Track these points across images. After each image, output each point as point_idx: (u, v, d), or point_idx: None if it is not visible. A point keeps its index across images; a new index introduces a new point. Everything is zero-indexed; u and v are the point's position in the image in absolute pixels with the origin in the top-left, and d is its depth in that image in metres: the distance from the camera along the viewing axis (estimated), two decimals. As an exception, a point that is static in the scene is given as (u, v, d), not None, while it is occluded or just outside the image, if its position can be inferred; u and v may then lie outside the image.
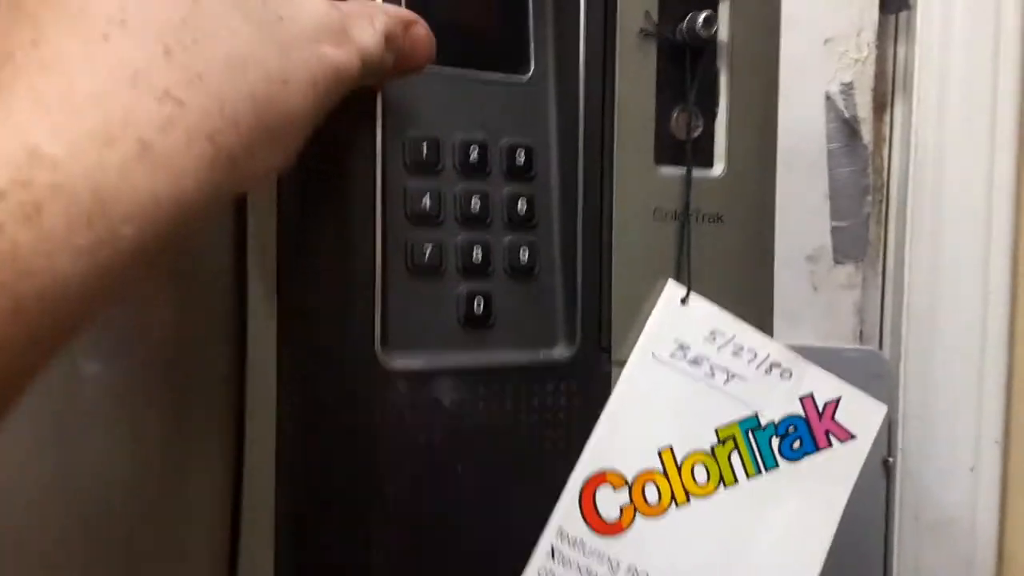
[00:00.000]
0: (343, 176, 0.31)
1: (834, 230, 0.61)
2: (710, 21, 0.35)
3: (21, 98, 0.19)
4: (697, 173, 0.36)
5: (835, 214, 0.61)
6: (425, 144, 0.33)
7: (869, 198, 0.61)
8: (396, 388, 0.31)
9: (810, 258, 0.61)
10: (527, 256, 0.34)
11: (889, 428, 0.58)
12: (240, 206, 0.33)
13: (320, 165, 0.30)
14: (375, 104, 0.31)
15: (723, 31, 0.37)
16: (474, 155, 0.33)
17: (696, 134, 0.37)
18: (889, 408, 0.58)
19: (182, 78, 0.20)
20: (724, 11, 0.37)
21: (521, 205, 0.34)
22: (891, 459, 0.58)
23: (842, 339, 0.60)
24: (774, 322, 0.56)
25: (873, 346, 0.61)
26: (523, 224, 0.34)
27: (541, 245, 0.34)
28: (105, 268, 0.19)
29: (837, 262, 0.61)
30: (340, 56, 0.25)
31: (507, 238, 0.34)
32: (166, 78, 0.20)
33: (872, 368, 0.58)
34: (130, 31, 0.20)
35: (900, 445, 0.58)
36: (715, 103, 0.37)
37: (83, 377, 0.30)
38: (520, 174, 0.34)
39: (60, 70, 0.19)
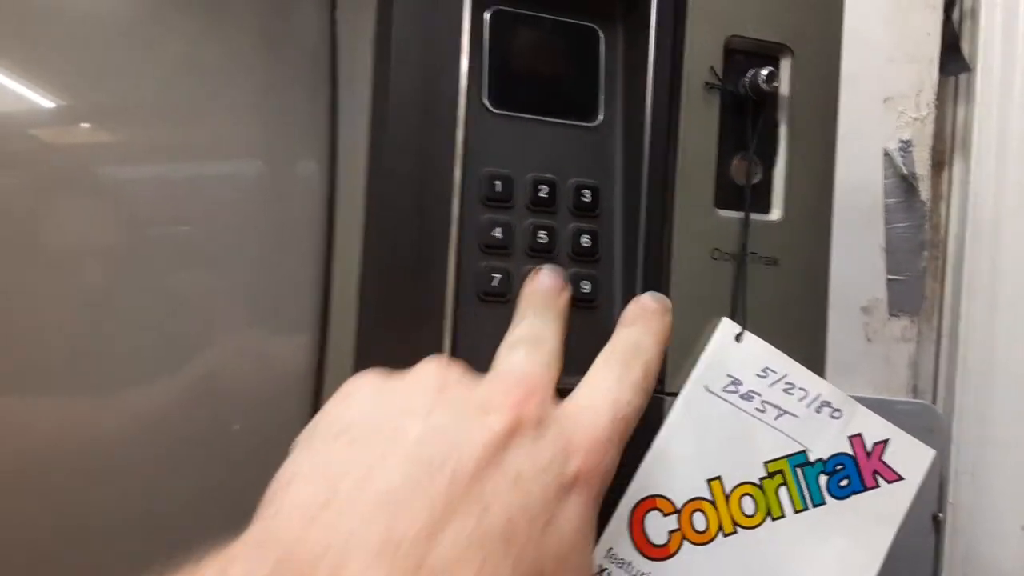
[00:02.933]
0: (425, 209, 0.34)
1: (890, 283, 0.62)
2: (772, 76, 0.37)
3: None
4: (755, 217, 0.38)
5: (892, 268, 0.62)
6: (499, 181, 0.35)
7: (926, 253, 0.61)
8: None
9: (865, 309, 0.62)
10: (589, 287, 0.36)
11: (940, 484, 0.58)
12: (329, 233, 0.36)
13: (405, 196, 0.33)
14: (455, 142, 0.34)
15: (784, 85, 0.39)
16: (543, 192, 0.36)
17: (755, 180, 0.39)
18: (941, 463, 0.59)
19: None
20: (786, 67, 0.39)
21: (585, 240, 0.36)
22: (941, 515, 0.58)
23: (896, 392, 0.61)
24: (827, 372, 0.57)
25: (927, 400, 0.62)
26: (586, 257, 0.36)
27: (602, 278, 0.36)
28: None
29: (892, 315, 0.61)
30: None
31: (571, 270, 0.36)
32: None
33: (925, 422, 0.59)
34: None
35: (951, 501, 0.57)
36: (774, 152, 0.39)
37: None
38: (585, 211, 0.37)
39: None
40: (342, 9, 0.39)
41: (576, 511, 0.25)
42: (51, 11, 0.39)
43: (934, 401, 0.61)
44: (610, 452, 0.27)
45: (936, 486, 0.58)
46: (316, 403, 0.35)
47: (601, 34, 0.38)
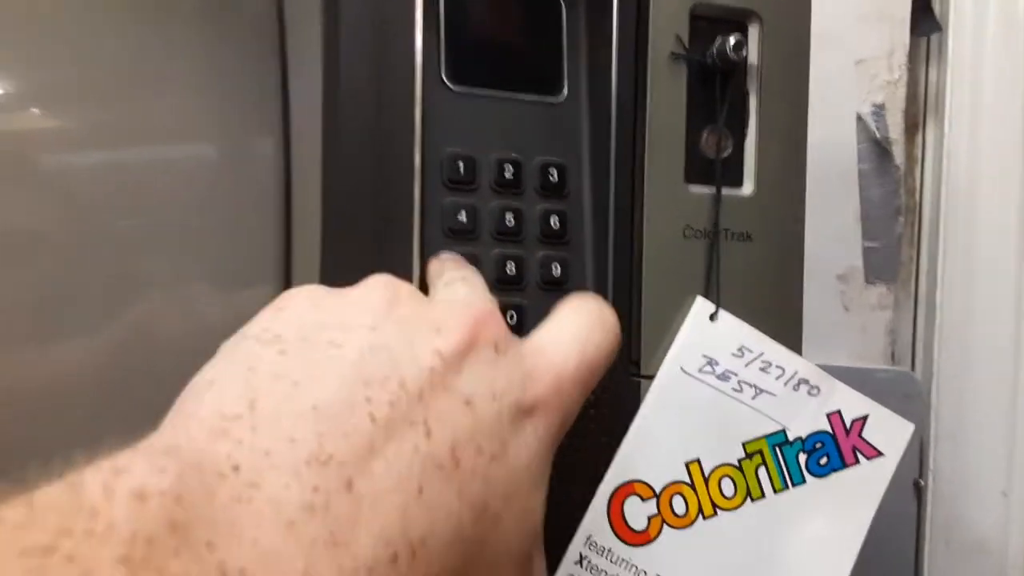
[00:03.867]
0: (384, 192, 0.32)
1: (866, 250, 0.61)
2: (740, 45, 0.36)
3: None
4: (727, 192, 0.37)
5: (867, 234, 0.61)
6: (462, 162, 0.34)
7: (901, 219, 0.61)
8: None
9: (841, 278, 0.61)
10: (559, 270, 0.35)
11: (921, 450, 0.58)
12: (287, 219, 0.34)
13: (362, 180, 0.32)
14: (413, 122, 0.33)
15: (753, 54, 0.37)
16: (508, 173, 0.34)
17: (726, 154, 0.37)
18: (921, 430, 0.58)
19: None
20: (754, 35, 0.38)
21: (554, 221, 0.35)
22: (922, 481, 0.58)
23: (874, 360, 0.60)
24: (805, 342, 0.56)
25: (905, 367, 0.61)
26: (556, 239, 0.35)
27: (573, 260, 0.35)
28: None
29: (869, 283, 0.61)
30: None
31: (540, 253, 0.35)
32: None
33: (904, 389, 0.58)
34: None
35: (932, 467, 0.57)
36: (745, 124, 0.38)
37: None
38: (553, 191, 0.35)
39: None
40: (289, -15, 0.37)
41: (530, 445, 0.23)
42: None
43: (913, 368, 0.61)
44: (573, 393, 0.25)
45: (917, 452, 0.58)
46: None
47: (563, 4, 0.36)
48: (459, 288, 0.26)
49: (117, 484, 0.17)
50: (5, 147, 0.37)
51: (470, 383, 0.22)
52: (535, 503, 0.24)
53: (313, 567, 0.18)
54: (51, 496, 0.17)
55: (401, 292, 0.24)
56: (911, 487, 0.57)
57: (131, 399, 0.34)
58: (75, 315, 0.36)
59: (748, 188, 0.38)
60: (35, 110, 0.38)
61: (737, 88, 0.38)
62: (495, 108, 0.35)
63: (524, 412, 0.23)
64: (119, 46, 0.38)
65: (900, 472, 0.58)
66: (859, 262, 0.61)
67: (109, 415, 0.34)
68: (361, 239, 0.32)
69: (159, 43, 0.39)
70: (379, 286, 0.25)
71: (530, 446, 0.23)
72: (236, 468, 0.19)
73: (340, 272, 0.32)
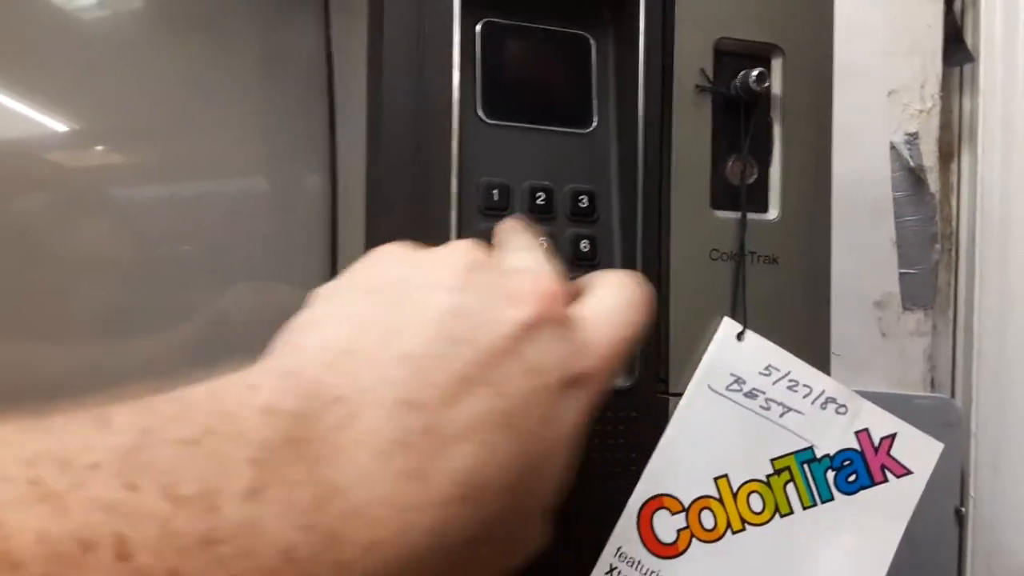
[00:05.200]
0: (423, 219, 0.34)
1: (902, 277, 0.61)
2: (762, 77, 0.38)
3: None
4: (752, 216, 0.38)
5: (903, 261, 0.61)
6: (496, 190, 0.36)
7: (937, 246, 0.61)
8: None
9: (878, 304, 0.62)
10: (589, 291, 0.36)
11: (962, 477, 0.58)
12: (333, 246, 0.37)
13: (403, 209, 0.34)
14: (451, 153, 0.35)
15: (776, 85, 0.39)
16: (540, 199, 0.36)
17: (751, 180, 0.39)
18: (961, 457, 0.58)
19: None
20: (777, 66, 0.39)
21: (584, 245, 0.37)
22: (963, 509, 0.57)
23: (913, 386, 0.60)
24: (843, 368, 0.57)
25: (945, 394, 0.61)
26: (586, 262, 0.37)
27: (602, 282, 0.37)
28: None
29: (906, 309, 0.61)
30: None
31: (571, 275, 0.36)
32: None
33: (944, 416, 0.58)
34: None
35: (972, 494, 0.57)
36: (769, 151, 0.39)
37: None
38: (583, 216, 0.37)
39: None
40: (336, 27, 0.40)
41: (573, 412, 0.25)
42: (61, 42, 0.40)
43: (952, 395, 0.61)
44: (613, 367, 0.27)
45: (957, 480, 0.58)
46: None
47: (592, 41, 0.39)
48: (528, 258, 0.29)
49: (250, 399, 0.20)
50: (80, 181, 0.40)
51: (535, 353, 0.24)
52: (568, 464, 0.26)
53: (398, 493, 0.21)
54: (198, 399, 0.20)
55: (480, 257, 0.27)
56: (952, 515, 0.57)
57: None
58: (137, 328, 0.38)
59: (773, 213, 0.39)
60: (103, 147, 0.42)
61: (761, 117, 0.39)
62: (528, 139, 0.37)
63: (572, 382, 0.25)
64: (181, 89, 0.42)
65: (941, 500, 0.58)
66: (896, 288, 0.61)
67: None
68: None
69: (218, 85, 0.42)
70: (461, 249, 0.27)
71: (573, 413, 0.25)
72: (338, 399, 0.21)
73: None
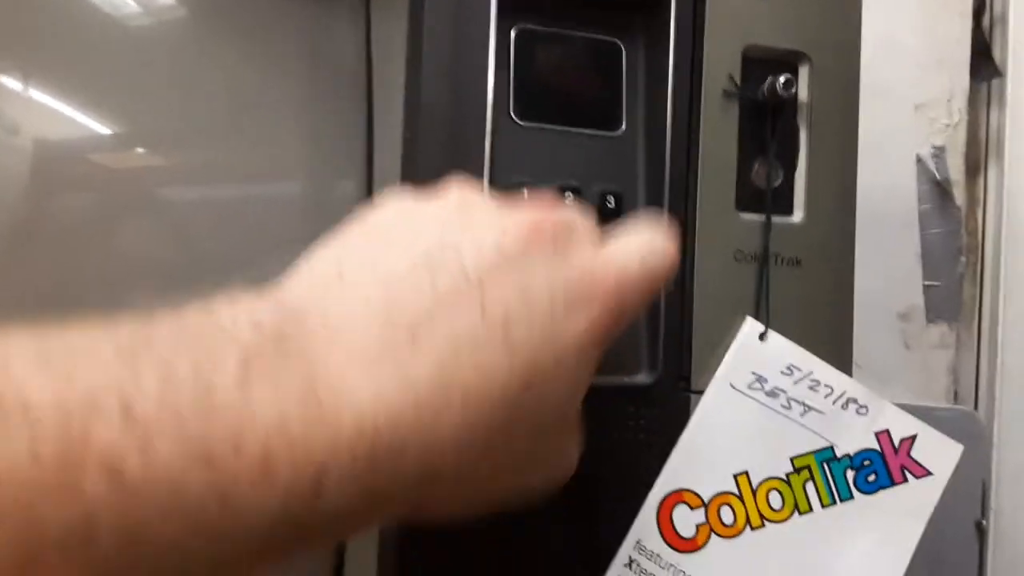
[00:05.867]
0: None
1: (927, 289, 0.61)
2: (789, 83, 0.39)
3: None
4: (777, 219, 0.39)
5: (928, 274, 0.61)
6: (527, 190, 0.37)
7: (963, 259, 0.61)
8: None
9: (902, 316, 0.62)
10: (614, 288, 0.37)
11: (983, 491, 0.57)
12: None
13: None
14: (484, 154, 0.36)
15: (803, 91, 0.40)
16: (569, 199, 0.38)
17: (776, 184, 0.40)
18: (983, 471, 0.58)
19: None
20: (804, 73, 0.40)
21: (610, 244, 0.38)
22: (985, 522, 0.57)
23: (936, 398, 0.60)
24: (866, 379, 0.57)
25: (968, 407, 0.61)
26: (612, 260, 0.38)
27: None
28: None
29: (930, 321, 0.61)
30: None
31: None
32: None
33: (967, 429, 0.58)
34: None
35: (994, 508, 0.57)
36: (795, 156, 0.40)
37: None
38: (610, 216, 0.38)
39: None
40: (376, 31, 0.41)
41: (581, 331, 0.26)
42: (107, 46, 0.42)
43: (976, 407, 0.61)
44: (631, 295, 0.28)
45: (979, 493, 0.58)
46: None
47: (623, 48, 0.40)
48: (531, 205, 0.29)
49: (241, 315, 0.22)
50: (122, 182, 0.42)
51: (526, 275, 0.25)
52: (580, 380, 0.27)
53: (383, 394, 0.22)
54: (195, 319, 0.22)
55: (475, 200, 0.28)
56: (973, 528, 0.57)
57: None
58: None
59: (798, 216, 0.40)
60: (145, 149, 0.43)
61: (787, 123, 0.40)
62: (558, 141, 0.38)
63: (580, 302, 0.26)
64: (222, 92, 0.43)
65: (963, 512, 0.58)
66: (920, 301, 0.61)
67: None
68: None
69: (258, 89, 0.44)
70: (455, 193, 0.29)
71: (581, 332, 0.26)
72: (325, 314, 0.23)
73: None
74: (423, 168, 0.36)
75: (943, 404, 0.60)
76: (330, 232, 0.28)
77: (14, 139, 0.38)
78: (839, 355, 0.40)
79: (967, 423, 0.58)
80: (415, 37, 0.37)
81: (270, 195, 0.44)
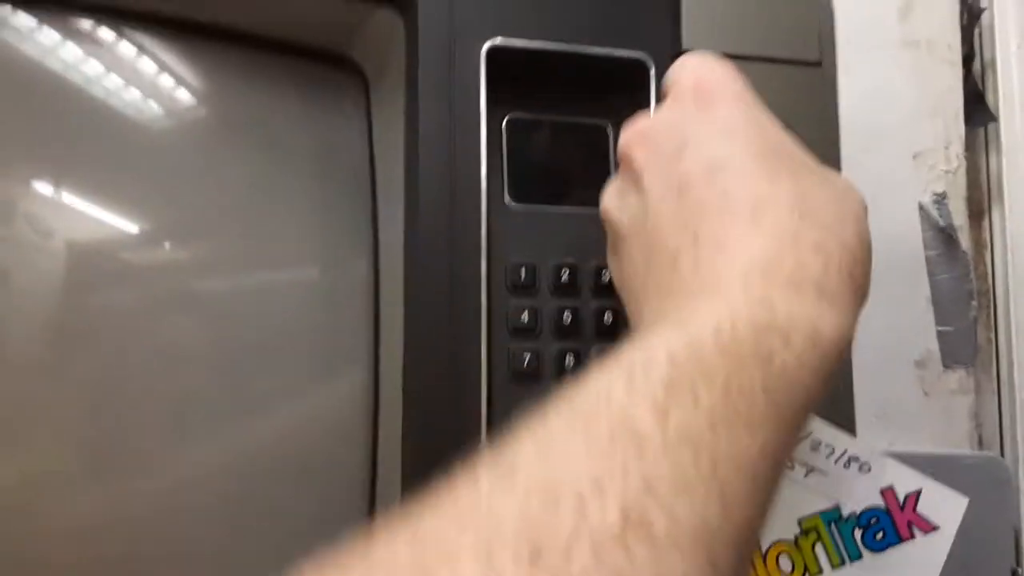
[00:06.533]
0: (456, 298, 0.38)
1: (940, 335, 0.61)
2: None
3: (720, 277, 0.26)
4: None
5: (940, 319, 0.62)
6: (524, 269, 0.39)
7: (974, 303, 0.61)
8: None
9: (919, 363, 0.62)
10: (612, 361, 0.39)
11: (1016, 537, 0.56)
12: (376, 324, 0.40)
13: (437, 288, 0.37)
14: (480, 237, 0.38)
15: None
16: (565, 276, 0.39)
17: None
18: (1013, 516, 0.57)
19: (819, 233, 0.26)
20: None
21: (607, 317, 0.39)
22: (1020, 569, 0.56)
23: (959, 445, 0.60)
24: (888, 429, 0.57)
25: (994, 452, 0.60)
26: (610, 333, 0.39)
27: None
28: (818, 379, 0.25)
29: (947, 367, 0.61)
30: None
31: (596, 347, 0.39)
32: (810, 235, 0.26)
33: (993, 474, 0.57)
34: (772, 209, 0.26)
35: (1028, 554, 0.56)
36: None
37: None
38: (606, 290, 0.40)
39: (734, 251, 0.26)
40: (377, 131, 0.44)
41: None
42: (130, 146, 0.44)
43: (1001, 452, 0.60)
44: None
45: (1011, 540, 0.57)
46: (371, 495, 0.39)
47: (610, 129, 0.42)
48: None
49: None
50: (150, 276, 0.44)
51: None
52: None
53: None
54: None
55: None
56: (1009, 575, 0.56)
57: (253, 477, 0.39)
58: (211, 416, 0.41)
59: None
60: (171, 244, 0.45)
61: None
62: (552, 221, 0.40)
63: None
64: (240, 187, 0.46)
65: (996, 561, 0.57)
66: (935, 347, 0.61)
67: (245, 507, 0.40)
68: (436, 338, 0.37)
69: (273, 184, 0.46)
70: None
71: None
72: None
73: (418, 363, 0.37)
74: (424, 252, 0.38)
75: (967, 451, 0.60)
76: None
77: (48, 242, 0.40)
78: (841, 414, 0.41)
79: (994, 469, 0.57)
80: (411, 131, 0.40)
81: (291, 279, 0.46)
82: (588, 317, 0.39)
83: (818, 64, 0.42)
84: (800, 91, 0.42)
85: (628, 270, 0.30)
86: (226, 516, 0.40)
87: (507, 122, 0.41)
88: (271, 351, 0.44)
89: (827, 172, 0.30)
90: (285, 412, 0.43)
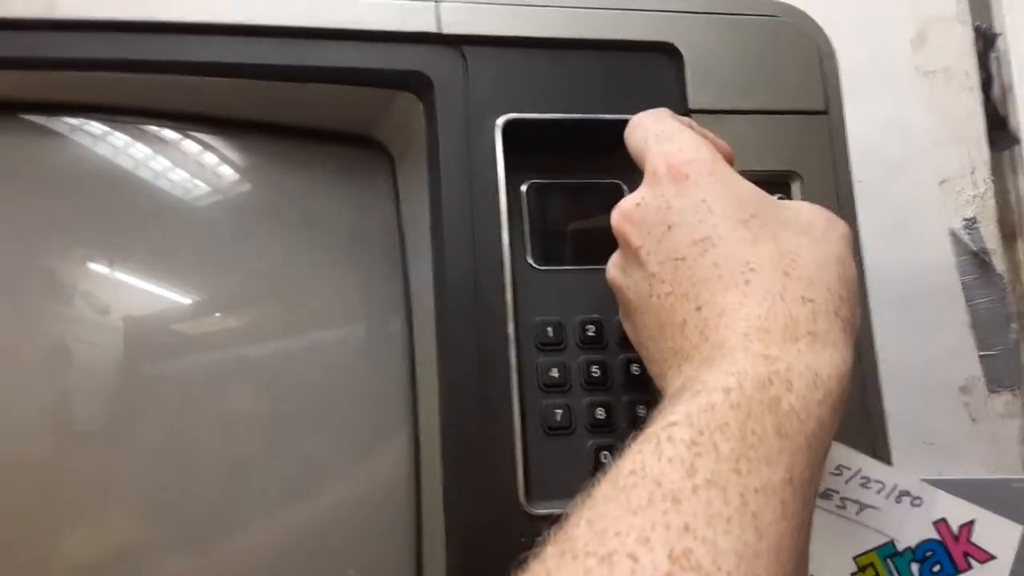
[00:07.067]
0: (486, 357, 0.39)
1: (983, 359, 0.61)
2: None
3: (724, 340, 0.29)
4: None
5: (981, 344, 0.61)
6: (551, 327, 0.40)
7: (1014, 325, 0.61)
8: (540, 532, 0.36)
9: (963, 389, 0.61)
10: (644, 412, 0.39)
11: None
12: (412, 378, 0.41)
13: (468, 349, 0.39)
14: (506, 300, 0.39)
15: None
16: (591, 331, 0.40)
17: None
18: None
19: (803, 285, 0.30)
20: (796, 189, 0.43)
21: (635, 369, 0.40)
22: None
23: (1011, 469, 0.58)
24: (938, 457, 0.56)
25: (1050, 475, 0.59)
26: (638, 385, 0.40)
27: (656, 402, 0.40)
28: (826, 411, 0.28)
29: (992, 391, 0.60)
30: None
31: (625, 398, 0.40)
32: (796, 289, 0.30)
33: (1049, 499, 0.56)
34: (758, 272, 0.30)
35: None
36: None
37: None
38: (631, 344, 0.41)
39: (733, 314, 0.29)
40: (405, 203, 0.46)
41: None
42: (181, 230, 0.46)
43: (1059, 475, 0.59)
44: None
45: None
46: (418, 548, 0.40)
47: (625, 187, 0.43)
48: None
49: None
50: (201, 345, 0.46)
51: None
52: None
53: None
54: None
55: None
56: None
57: (304, 544, 0.40)
58: (264, 482, 0.43)
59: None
60: (220, 314, 0.47)
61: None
62: (575, 279, 0.42)
63: None
64: (282, 260, 0.47)
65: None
66: (979, 372, 0.61)
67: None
68: (470, 397, 0.38)
69: (310, 255, 0.48)
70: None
71: None
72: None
73: (455, 424, 0.38)
74: (453, 315, 0.39)
75: (1019, 474, 0.58)
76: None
77: (105, 318, 0.42)
78: (877, 448, 0.41)
79: (1050, 493, 0.56)
80: (436, 204, 0.42)
81: (332, 342, 0.47)
82: (616, 369, 0.40)
83: (824, 112, 0.43)
84: (809, 140, 0.43)
85: (643, 335, 0.33)
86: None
87: (527, 189, 0.43)
88: (318, 413, 0.44)
89: (803, 215, 0.33)
90: (335, 475, 0.44)
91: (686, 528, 0.23)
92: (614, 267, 0.36)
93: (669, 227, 0.32)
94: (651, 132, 0.35)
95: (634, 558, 0.23)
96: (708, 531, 0.23)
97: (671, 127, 0.35)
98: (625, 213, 0.34)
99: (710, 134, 0.37)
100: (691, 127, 0.36)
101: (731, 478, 0.24)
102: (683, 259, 0.31)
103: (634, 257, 0.33)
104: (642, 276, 0.33)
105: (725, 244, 0.30)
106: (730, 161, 0.36)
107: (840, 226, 0.33)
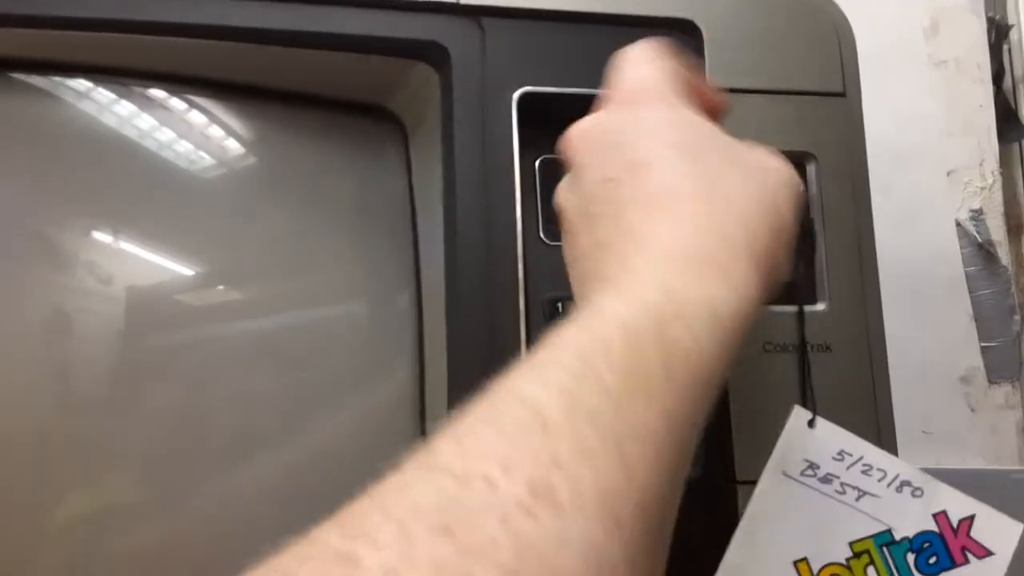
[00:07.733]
0: (496, 333, 0.39)
1: (984, 351, 0.61)
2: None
3: (635, 268, 0.28)
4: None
5: (983, 335, 0.61)
6: (560, 304, 0.40)
7: (1017, 317, 0.61)
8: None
9: (964, 380, 0.61)
10: (652, 390, 0.39)
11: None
12: (421, 360, 0.41)
13: (478, 324, 0.38)
14: (517, 275, 0.39)
15: (813, 186, 0.42)
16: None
17: (798, 275, 0.42)
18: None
19: (728, 222, 0.29)
20: (812, 171, 0.42)
21: (645, 347, 0.40)
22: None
23: (1009, 460, 0.59)
24: (936, 446, 0.57)
25: (1046, 467, 0.60)
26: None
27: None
28: (718, 352, 0.27)
29: (992, 382, 0.60)
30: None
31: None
32: (714, 221, 0.29)
33: (1046, 491, 0.56)
34: (684, 202, 0.29)
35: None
36: (813, 247, 0.42)
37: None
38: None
39: (648, 241, 0.29)
40: (417, 176, 0.46)
41: None
42: (184, 194, 0.45)
43: (1055, 468, 0.59)
44: None
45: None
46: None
47: (639, 165, 0.43)
48: None
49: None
50: (204, 317, 0.45)
51: None
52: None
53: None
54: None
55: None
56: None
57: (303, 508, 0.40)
58: (268, 452, 0.43)
59: (822, 304, 0.41)
60: (224, 287, 0.47)
61: (802, 217, 0.42)
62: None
63: None
64: (290, 231, 0.47)
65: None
66: (980, 363, 0.61)
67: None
68: (478, 373, 0.38)
69: (319, 227, 0.48)
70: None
71: None
72: None
73: (464, 400, 0.38)
74: (464, 289, 0.39)
75: (1017, 466, 0.59)
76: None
77: (108, 288, 0.42)
78: (882, 437, 0.41)
79: (1046, 486, 0.57)
80: (449, 175, 0.41)
81: (339, 314, 0.47)
82: (627, 348, 0.40)
83: (842, 95, 0.42)
84: (826, 121, 0.43)
85: (575, 253, 0.32)
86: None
87: (540, 163, 0.43)
88: (325, 387, 0.44)
89: (754, 159, 0.32)
90: (340, 450, 0.44)
91: (553, 461, 0.22)
92: (560, 188, 0.35)
93: (610, 148, 0.32)
94: (626, 61, 0.35)
95: (491, 482, 0.21)
96: (573, 467, 0.22)
97: (643, 57, 0.35)
98: (577, 131, 0.34)
99: (706, 83, 0.36)
100: (674, 61, 0.36)
101: (607, 413, 0.23)
102: (616, 180, 0.31)
103: (577, 175, 0.33)
104: (580, 196, 0.32)
105: (658, 170, 0.30)
106: (717, 113, 0.36)
107: (791, 181, 0.32)
